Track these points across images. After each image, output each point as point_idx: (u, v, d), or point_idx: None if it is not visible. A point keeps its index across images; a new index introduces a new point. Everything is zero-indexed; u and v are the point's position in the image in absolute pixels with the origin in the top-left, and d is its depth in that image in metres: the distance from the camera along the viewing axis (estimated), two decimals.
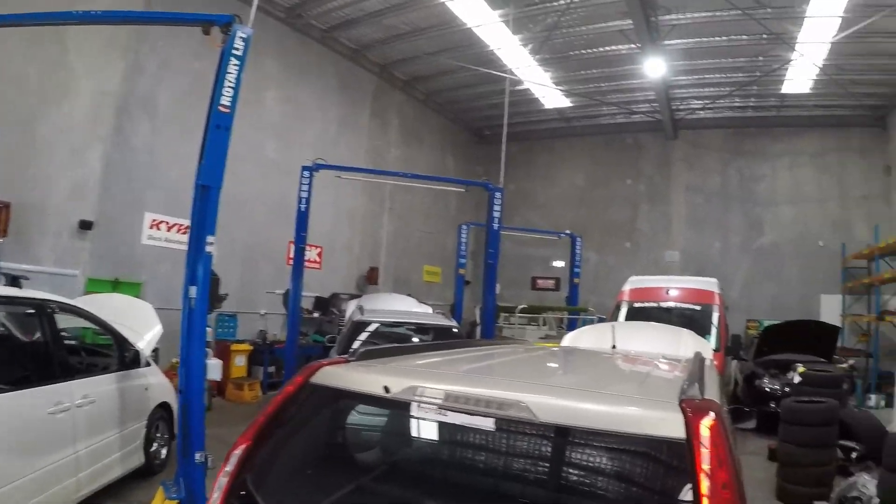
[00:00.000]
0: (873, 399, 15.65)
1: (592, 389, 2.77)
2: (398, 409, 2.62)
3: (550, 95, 20.58)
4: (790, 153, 21.82)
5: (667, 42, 15.89)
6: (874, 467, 9.08)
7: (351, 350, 3.47)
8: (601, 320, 14.14)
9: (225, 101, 5.84)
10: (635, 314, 12.19)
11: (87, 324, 6.98)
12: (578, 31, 16.39)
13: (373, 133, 19.61)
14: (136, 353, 7.13)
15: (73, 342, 7.39)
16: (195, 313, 5.78)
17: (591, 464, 2.40)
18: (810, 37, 14.84)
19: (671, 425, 2.13)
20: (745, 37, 15.84)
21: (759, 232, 22.10)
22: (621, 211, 23.52)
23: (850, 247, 19.67)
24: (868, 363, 18.08)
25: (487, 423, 2.35)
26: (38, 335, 5.89)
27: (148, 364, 7.41)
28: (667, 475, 2.22)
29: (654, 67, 16.44)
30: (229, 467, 2.60)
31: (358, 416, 3.06)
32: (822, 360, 14.25)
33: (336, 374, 2.82)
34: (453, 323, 11.06)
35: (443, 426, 2.53)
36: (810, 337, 14.96)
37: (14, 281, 8.20)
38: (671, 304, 12.69)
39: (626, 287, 13.37)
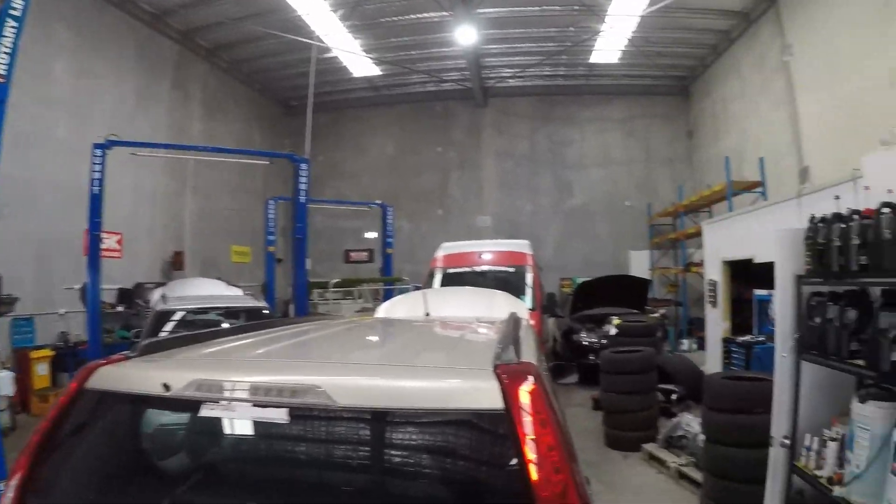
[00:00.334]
0: (686, 344, 16.87)
1: (400, 364, 2.61)
2: (184, 409, 2.29)
3: (360, 63, 20.18)
4: (598, 119, 23.04)
5: (479, 10, 16.05)
6: (694, 406, 9.61)
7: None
8: (416, 289, 14.04)
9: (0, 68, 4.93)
10: (450, 280, 12.15)
11: None
12: None
13: (174, 106, 18.12)
14: None
15: None
16: None
17: (406, 446, 2.18)
18: (620, 9, 15.65)
19: (487, 395, 1.96)
20: (557, 7, 16.38)
21: (569, 194, 23.11)
22: (432, 178, 23.59)
23: (656, 205, 21.33)
24: (678, 311, 19.47)
25: (280, 415, 2.05)
26: None
27: None
28: (490, 447, 2.05)
29: (466, 35, 16.49)
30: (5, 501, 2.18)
31: (153, 420, 2.61)
32: (635, 311, 15.04)
33: (116, 375, 2.40)
34: (263, 304, 10.58)
35: (237, 423, 2.21)
36: (622, 290, 15.75)
37: None
38: (485, 267, 12.75)
39: (439, 254, 13.29)
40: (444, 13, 16.29)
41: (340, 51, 18.59)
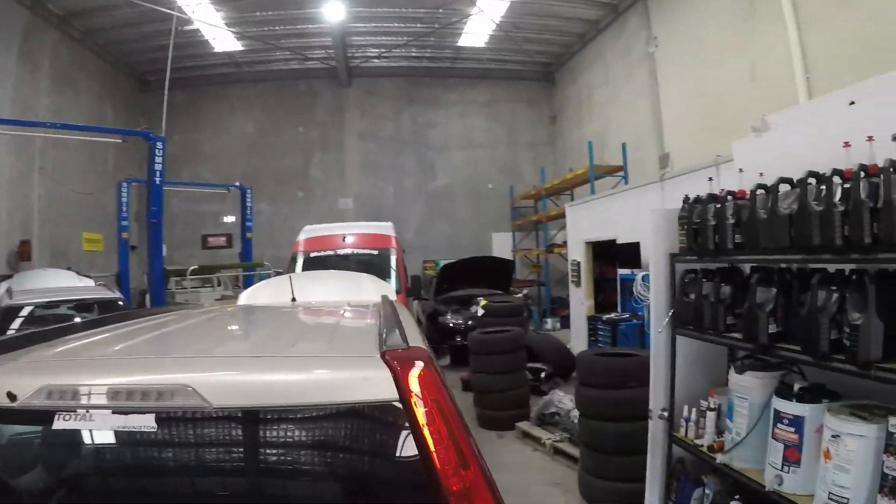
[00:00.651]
0: (549, 323, 17.40)
1: (278, 355, 2.36)
2: (34, 421, 1.92)
3: (222, 38, 19.21)
4: (463, 102, 23.29)
5: None
6: (562, 383, 9.90)
7: None
8: (277, 274, 13.67)
9: None
10: (312, 264, 11.90)
11: None
12: None
13: (20, 79, 16.44)
14: None
15: None
16: None
17: (293, 447, 1.93)
18: None
19: (379, 385, 1.82)
20: None
21: (432, 176, 23.21)
22: (294, 160, 22.92)
23: (519, 188, 21.81)
24: (540, 291, 20.02)
25: (146, 422, 1.79)
26: None
27: None
28: (386, 441, 1.90)
29: (334, 11, 16.12)
30: None
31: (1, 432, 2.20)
32: (500, 292, 15.32)
33: None
34: (118, 294, 9.98)
35: (97, 434, 1.88)
36: (486, 272, 16.01)
37: None
38: (348, 250, 12.56)
39: (301, 237, 13.01)
40: None
41: (202, 23, 17.57)
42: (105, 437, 1.85)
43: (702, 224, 3.97)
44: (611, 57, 17.97)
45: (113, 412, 1.78)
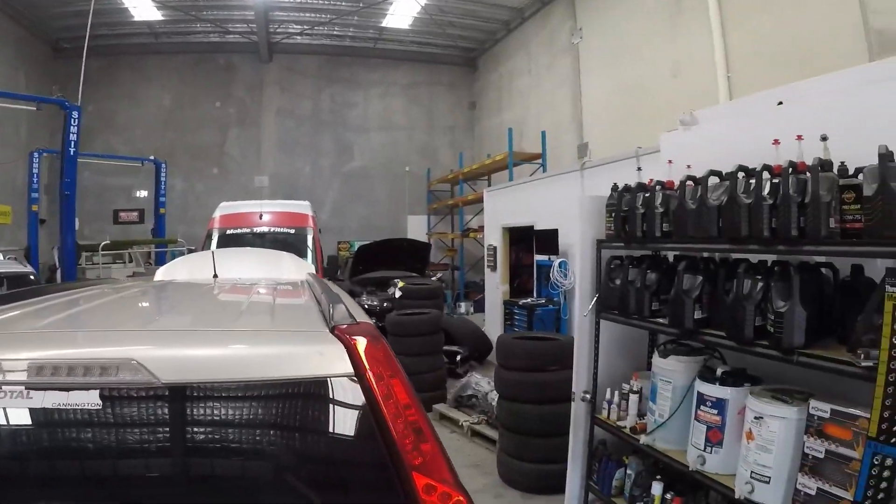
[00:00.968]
0: (463, 307, 17.47)
1: (224, 329, 2.25)
2: None
3: (142, 6, 18.40)
4: (383, 83, 23.13)
5: None
6: (478, 366, 9.99)
7: None
8: (191, 252, 13.27)
9: None
10: (228, 241, 11.60)
11: None
12: None
13: None
14: None
15: None
16: None
17: (246, 426, 1.84)
18: None
19: (332, 360, 1.78)
20: None
21: (349, 156, 23.01)
22: (210, 135, 22.25)
23: (436, 172, 21.82)
24: (454, 275, 20.14)
25: (91, 399, 1.66)
26: None
27: None
28: (342, 417, 1.82)
29: None
30: None
31: None
32: (415, 275, 15.32)
33: None
34: (29, 269, 9.51)
35: (35, 414, 1.72)
36: (402, 254, 15.98)
37: None
38: (265, 228, 12.31)
39: (217, 214, 12.67)
40: None
41: None
42: (44, 416, 1.71)
43: (630, 212, 4.06)
44: (534, 46, 18.17)
45: (52, 389, 1.66)
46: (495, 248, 13.79)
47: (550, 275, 10.09)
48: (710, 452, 3.30)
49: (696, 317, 3.43)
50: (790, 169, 2.91)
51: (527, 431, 5.84)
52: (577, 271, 4.73)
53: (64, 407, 1.66)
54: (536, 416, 5.76)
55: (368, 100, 23.08)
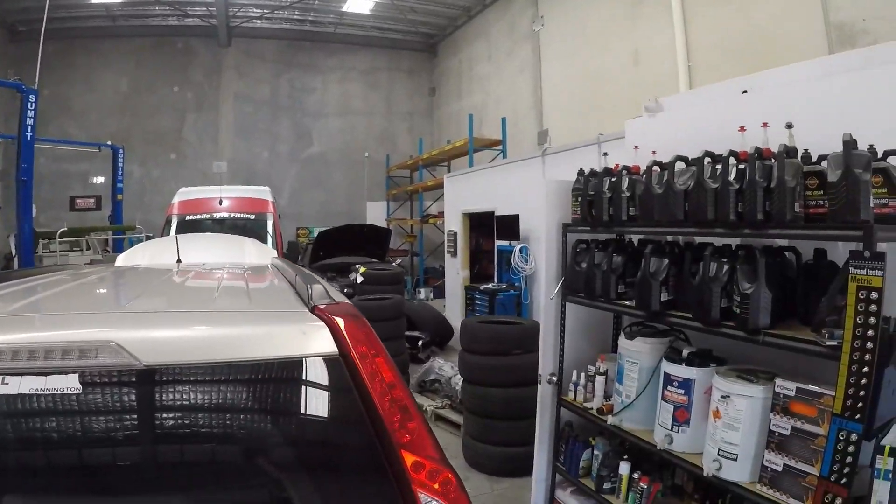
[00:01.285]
0: (423, 292, 17.49)
1: (203, 310, 2.22)
2: None
3: None
4: (342, 69, 22.97)
5: None
6: (439, 352, 10.01)
7: None
8: (149, 238, 13.04)
9: None
10: (187, 227, 11.46)
11: None
12: None
13: None
14: None
15: None
16: None
17: (232, 409, 1.79)
18: None
19: (317, 339, 1.76)
20: None
21: (307, 142, 22.81)
22: (167, 120, 21.86)
23: (395, 158, 21.75)
24: (413, 261, 20.12)
25: (70, 384, 1.60)
26: None
27: None
28: (329, 397, 1.82)
29: None
30: None
31: None
32: (376, 260, 15.28)
33: None
34: None
35: (9, 400, 1.64)
36: (363, 240, 15.93)
37: None
38: (225, 214, 12.17)
39: (176, 200, 12.49)
40: None
41: None
42: (19, 402, 1.62)
43: (596, 196, 4.08)
44: (495, 32, 18.18)
45: (29, 374, 1.59)
46: (456, 234, 13.83)
47: (512, 260, 10.16)
48: (678, 432, 3.35)
49: (662, 299, 3.48)
50: (756, 155, 2.96)
51: (492, 415, 5.88)
52: (542, 255, 4.74)
53: (42, 392, 1.60)
54: (501, 399, 5.81)
55: (327, 85, 22.87)
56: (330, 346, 1.74)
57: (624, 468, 3.89)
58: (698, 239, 3.68)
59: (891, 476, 2.45)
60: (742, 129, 3.22)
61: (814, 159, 2.95)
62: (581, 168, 4.39)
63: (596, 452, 4.16)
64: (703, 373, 3.29)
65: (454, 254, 13.96)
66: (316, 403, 1.83)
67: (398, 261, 18.48)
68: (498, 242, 11.56)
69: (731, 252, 3.20)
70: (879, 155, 2.72)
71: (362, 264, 13.86)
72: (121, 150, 18.05)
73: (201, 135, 22.10)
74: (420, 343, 10.30)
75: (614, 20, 12.66)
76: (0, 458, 1.67)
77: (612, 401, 3.98)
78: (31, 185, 11.25)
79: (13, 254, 13.72)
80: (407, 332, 9.84)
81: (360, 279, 12.79)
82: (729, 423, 3.01)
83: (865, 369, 2.45)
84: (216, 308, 2.25)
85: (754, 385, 2.99)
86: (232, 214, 12.18)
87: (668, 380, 3.42)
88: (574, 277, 4.31)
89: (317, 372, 1.75)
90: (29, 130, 11.04)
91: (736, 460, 3.00)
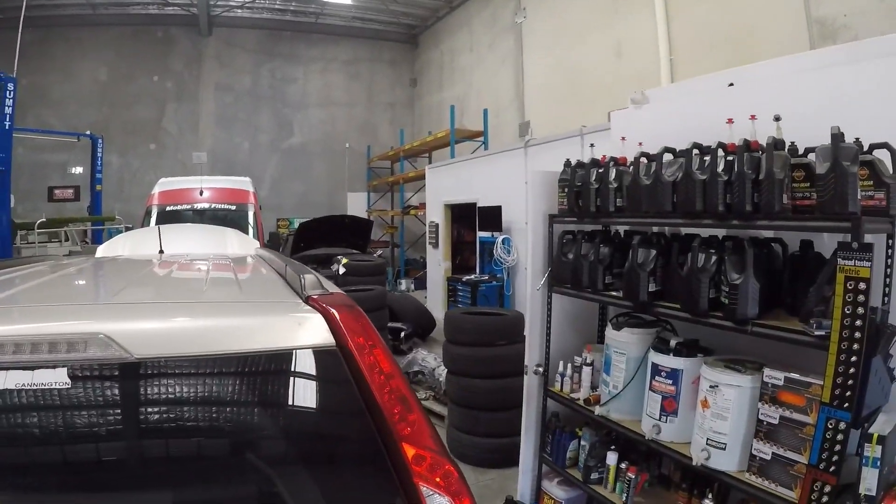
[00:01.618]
0: (404, 284, 17.45)
1: (194, 301, 2.13)
2: None
3: None
4: (323, 59, 22.83)
5: None
6: (421, 343, 10.00)
7: None
8: (129, 230, 12.90)
9: None
10: (168, 218, 11.33)
11: None
12: None
13: None
14: None
15: None
16: None
17: (229, 400, 1.74)
18: None
19: (313, 330, 1.70)
20: None
21: (288, 132, 22.66)
22: (147, 110, 21.57)
23: (375, 149, 21.71)
24: (394, 252, 20.08)
25: (58, 378, 1.54)
26: None
27: None
28: (326, 390, 1.76)
29: None
30: None
31: None
32: (357, 252, 15.23)
33: None
34: None
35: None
36: (344, 231, 15.87)
37: None
38: (205, 205, 12.13)
39: (156, 190, 12.41)
40: None
41: None
42: (6, 398, 1.56)
43: (583, 187, 4.09)
44: (477, 23, 18.16)
45: (14, 368, 1.52)
46: (437, 225, 13.82)
47: (494, 251, 10.16)
48: (665, 421, 3.38)
49: (650, 290, 3.49)
50: (745, 147, 2.98)
51: (477, 406, 5.88)
52: (526, 247, 4.75)
53: (29, 387, 1.53)
54: (486, 390, 5.81)
55: (308, 76, 22.72)
56: (326, 338, 1.68)
57: (611, 458, 3.90)
58: (684, 230, 3.71)
59: (879, 463, 2.48)
60: (730, 121, 3.24)
61: (800, 152, 2.98)
62: (567, 159, 4.40)
63: (583, 443, 4.17)
64: (691, 363, 3.31)
65: (436, 245, 13.96)
66: (313, 396, 1.78)
67: (379, 252, 18.44)
68: (480, 234, 11.56)
69: (719, 243, 3.22)
70: (865, 148, 2.76)
71: (344, 255, 13.85)
72: (100, 140, 17.79)
73: (181, 125, 21.86)
74: (402, 334, 10.28)
75: (597, 13, 12.67)
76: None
77: (598, 391, 4.01)
78: (9, 175, 11.06)
79: None
80: (389, 324, 9.83)
81: (342, 270, 12.76)
82: (717, 413, 3.04)
83: (853, 359, 2.48)
84: (207, 299, 2.19)
85: (743, 375, 3.01)
86: (213, 205, 12.11)
87: (656, 370, 3.44)
88: (560, 268, 4.32)
89: (314, 364, 1.70)
90: (7, 119, 10.83)
91: (724, 449, 3.03)
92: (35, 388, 1.54)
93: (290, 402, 1.77)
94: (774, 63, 3.92)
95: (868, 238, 2.53)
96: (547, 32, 14.56)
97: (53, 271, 2.90)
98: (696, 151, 3.30)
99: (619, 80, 11.22)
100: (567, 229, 4.37)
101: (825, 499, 2.55)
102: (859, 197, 2.63)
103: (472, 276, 10.93)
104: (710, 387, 3.09)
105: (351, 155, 22.05)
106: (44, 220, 15.83)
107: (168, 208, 11.76)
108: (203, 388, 1.72)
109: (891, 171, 2.75)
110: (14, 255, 12.25)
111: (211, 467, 1.69)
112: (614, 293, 3.83)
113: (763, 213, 2.92)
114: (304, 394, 1.77)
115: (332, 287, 2.09)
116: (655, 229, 3.87)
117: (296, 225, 18.59)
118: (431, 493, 1.60)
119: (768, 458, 2.83)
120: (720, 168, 3.10)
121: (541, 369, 4.50)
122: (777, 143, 2.94)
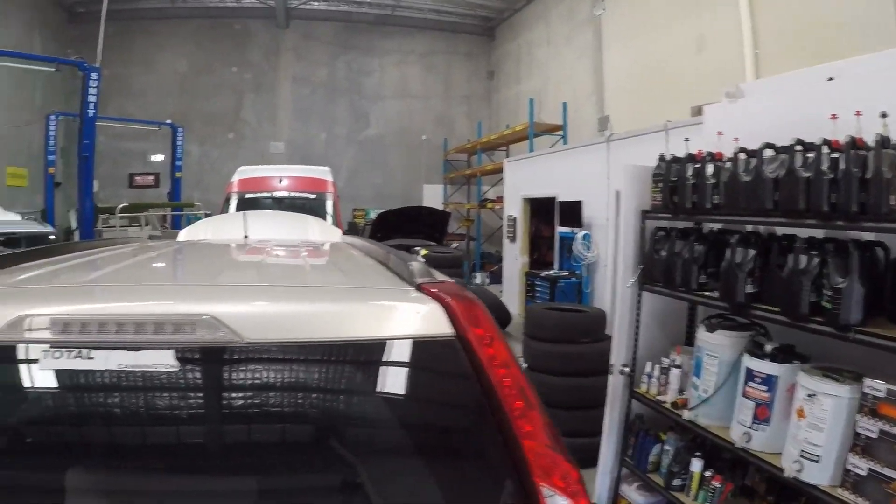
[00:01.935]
0: (479, 277, 17.47)
1: (301, 285, 2.05)
2: (6, 358, 1.55)
3: None
4: (400, 51, 23.08)
5: None
6: None
7: None
8: (208, 216, 13.32)
9: None
10: (247, 205, 11.61)
11: None
12: None
13: None
14: None
15: None
16: None
17: (342, 390, 1.68)
18: None
19: (430, 319, 1.61)
20: None
21: (365, 124, 23.02)
22: (225, 101, 22.36)
23: (452, 141, 21.74)
24: (470, 245, 20.16)
25: (164, 360, 1.49)
26: None
27: None
28: (445, 379, 1.68)
29: None
30: None
31: None
32: (433, 243, 15.34)
33: None
34: (49, 229, 9.52)
35: (98, 376, 1.54)
36: (421, 223, 15.99)
37: None
38: (284, 193, 12.36)
39: (236, 178, 12.71)
40: None
41: None
42: (107, 379, 1.53)
43: (679, 182, 4.03)
44: (554, 16, 18.04)
45: (117, 349, 1.47)
46: (515, 219, 13.80)
47: (573, 247, 10.10)
48: (757, 430, 3.30)
49: (747, 291, 3.42)
50: (851, 144, 2.89)
51: (556, 404, 5.85)
52: (615, 242, 4.72)
53: (132, 369, 1.49)
54: (567, 388, 5.78)
55: (384, 68, 23.03)
56: (446, 327, 1.59)
57: (696, 465, 3.83)
58: (780, 230, 3.61)
59: None
60: (834, 116, 3.14)
61: None
62: (662, 154, 4.34)
63: (666, 448, 4.12)
64: (788, 369, 3.23)
65: (513, 239, 13.94)
66: (430, 388, 1.71)
67: (456, 244, 18.52)
68: (560, 229, 11.49)
69: (820, 244, 3.13)
70: None
71: (422, 247, 13.98)
72: (180, 130, 18.47)
73: (259, 115, 22.53)
74: None
75: (678, 5, 12.39)
76: (89, 437, 1.60)
77: (686, 395, 3.96)
78: (92, 161, 11.66)
79: (73, 228, 14.17)
80: None
81: (421, 261, 12.88)
82: (813, 424, 2.96)
83: None
84: (313, 283, 2.12)
85: (841, 384, 2.92)
86: (291, 193, 12.35)
87: (750, 375, 3.37)
88: (652, 266, 4.27)
89: (430, 354, 1.62)
90: (90, 107, 11.41)
91: (818, 462, 2.94)
92: (139, 369, 1.50)
93: (404, 394, 1.70)
94: (878, 57, 3.77)
95: None
96: (627, 26, 14.33)
97: (144, 252, 2.92)
98: (798, 148, 3.21)
99: (701, 74, 10.97)
100: (660, 226, 4.32)
101: None
102: None
103: (551, 272, 10.87)
104: (808, 396, 3.01)
105: (427, 147, 22.20)
106: (125, 204, 16.55)
107: (247, 196, 12.06)
108: (315, 376, 1.70)
109: None
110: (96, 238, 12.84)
111: (321, 460, 1.65)
112: (708, 293, 3.76)
113: (870, 215, 2.83)
114: (419, 385, 1.70)
115: (441, 276, 1.99)
116: (750, 228, 3.78)
117: (372, 216, 18.88)
118: (552, 493, 1.51)
119: (864, 473, 2.74)
120: (825, 165, 3.01)
121: (627, 369, 4.46)
122: (884, 141, 2.84)
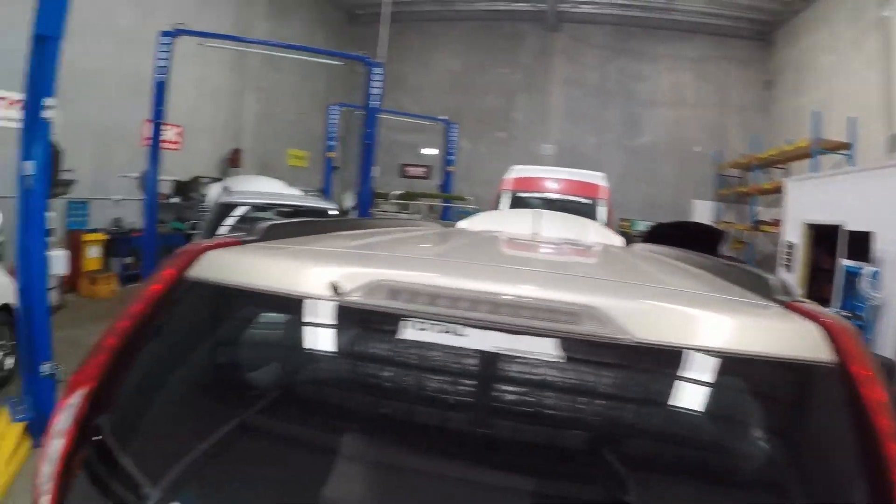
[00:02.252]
0: None
1: (675, 288, 1.88)
2: (356, 322, 1.60)
3: None
4: (671, 57, 22.20)
5: None
6: None
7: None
8: (476, 211, 13.87)
9: None
10: (518, 204, 11.87)
11: None
12: None
13: (240, 4, 17.93)
14: None
15: None
16: (33, 195, 4.88)
17: (715, 405, 1.54)
18: None
19: (809, 341, 1.44)
20: None
21: (636, 131, 22.52)
22: (496, 100, 23.21)
23: (725, 155, 20.60)
24: None
25: (544, 349, 1.44)
26: None
27: None
28: (821, 412, 1.48)
29: None
30: (71, 410, 1.58)
31: (270, 329, 1.94)
32: None
33: (230, 264, 1.72)
34: (332, 205, 10.39)
35: (446, 354, 1.54)
36: (691, 239, 15.31)
37: None
38: (556, 195, 12.45)
39: (510, 176, 13.01)
40: None
41: None
42: (480, 358, 1.51)
43: None
44: (837, 19, 16.21)
45: (494, 329, 1.44)
46: (793, 246, 12.82)
47: (859, 285, 9.18)
48: None
49: None
50: None
51: None
52: None
53: (504, 352, 1.48)
54: None
55: (657, 74, 22.43)
56: (827, 353, 1.43)
57: None
58: None
59: None
60: None
61: None
62: None
63: None
64: None
65: (789, 268, 12.96)
66: (806, 419, 1.53)
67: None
68: (845, 262, 10.48)
69: None
70: None
71: None
72: (454, 126, 19.84)
73: (530, 116, 23.15)
74: None
75: None
76: (453, 419, 1.61)
77: None
78: (373, 148, 12.85)
79: (349, 209, 15.59)
80: None
81: None
82: None
83: None
84: (679, 287, 1.93)
85: None
86: (565, 196, 12.45)
87: None
88: None
89: (812, 381, 1.48)
90: (374, 99, 12.61)
91: None
92: (511, 354, 1.49)
93: (779, 422, 1.57)
94: None
95: None
96: None
97: (457, 235, 2.92)
98: None
99: None
100: None
101: None
102: None
103: (833, 310, 9.96)
104: None
105: (699, 159, 21.36)
106: (400, 192, 17.96)
107: (519, 194, 12.37)
108: (698, 386, 1.54)
109: None
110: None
111: (689, 478, 1.54)
112: None
113: None
114: (796, 414, 1.56)
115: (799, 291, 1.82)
116: None
117: (639, 227, 18.51)
118: None
119: None
120: None
121: None
122: None
